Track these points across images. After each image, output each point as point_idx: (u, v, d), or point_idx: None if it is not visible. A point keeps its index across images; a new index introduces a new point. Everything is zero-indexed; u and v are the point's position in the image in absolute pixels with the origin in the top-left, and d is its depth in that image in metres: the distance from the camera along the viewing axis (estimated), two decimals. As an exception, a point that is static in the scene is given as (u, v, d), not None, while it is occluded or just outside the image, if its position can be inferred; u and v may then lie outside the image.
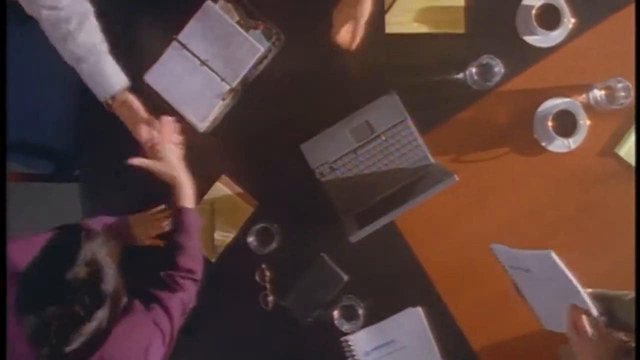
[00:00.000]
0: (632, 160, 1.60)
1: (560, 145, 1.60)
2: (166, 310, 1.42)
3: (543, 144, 1.62)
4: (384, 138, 1.63)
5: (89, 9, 1.50)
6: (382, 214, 1.47)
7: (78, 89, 1.56)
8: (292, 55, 1.65)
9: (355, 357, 1.61)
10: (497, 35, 1.63)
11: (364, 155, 1.63)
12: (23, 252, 1.31)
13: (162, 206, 1.61)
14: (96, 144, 1.71)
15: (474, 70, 1.61)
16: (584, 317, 1.18)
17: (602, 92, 1.59)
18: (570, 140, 1.58)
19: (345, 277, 1.63)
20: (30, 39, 1.43)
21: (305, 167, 1.63)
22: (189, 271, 1.49)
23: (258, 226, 1.64)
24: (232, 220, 1.66)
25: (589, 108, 1.61)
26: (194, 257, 1.50)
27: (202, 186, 1.65)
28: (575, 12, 1.59)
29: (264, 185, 1.66)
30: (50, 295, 1.14)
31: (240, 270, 1.65)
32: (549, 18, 1.58)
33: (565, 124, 1.58)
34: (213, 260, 1.66)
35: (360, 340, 1.62)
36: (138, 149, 1.54)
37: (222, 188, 1.66)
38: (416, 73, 1.65)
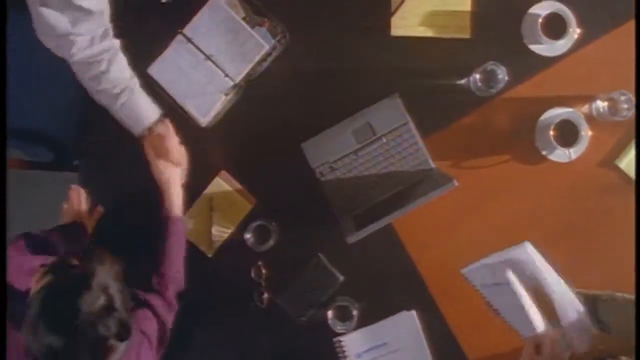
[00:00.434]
0: (632, 172, 1.60)
1: (561, 154, 1.60)
2: (158, 318, 1.43)
3: (544, 152, 1.62)
4: (385, 140, 1.63)
5: (117, 45, 1.48)
6: (380, 216, 1.47)
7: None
8: (297, 54, 1.65)
9: (348, 358, 1.61)
10: (502, 42, 1.63)
11: (364, 157, 1.63)
12: (19, 270, 1.30)
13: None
14: (96, 134, 1.70)
15: (477, 76, 1.61)
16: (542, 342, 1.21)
17: (605, 104, 1.59)
18: (571, 150, 1.58)
19: (341, 278, 1.63)
20: (32, 27, 1.41)
21: (305, 166, 1.63)
22: (173, 276, 1.50)
23: (256, 223, 1.63)
24: (230, 216, 1.66)
25: (591, 119, 1.61)
26: (176, 263, 1.52)
27: (202, 181, 1.65)
28: (581, 23, 1.59)
29: (264, 182, 1.66)
30: (74, 323, 1.11)
31: (236, 266, 1.65)
32: (555, 27, 1.58)
33: (567, 134, 1.58)
34: (210, 255, 1.66)
35: (353, 342, 1.62)
36: (138, 149, 1.54)
37: (222, 184, 1.66)
38: (420, 76, 1.65)
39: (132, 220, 1.63)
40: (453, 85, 1.65)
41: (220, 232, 1.66)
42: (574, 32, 1.59)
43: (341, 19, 1.66)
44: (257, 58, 1.62)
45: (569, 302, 1.25)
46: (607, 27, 1.62)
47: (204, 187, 1.66)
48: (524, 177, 1.63)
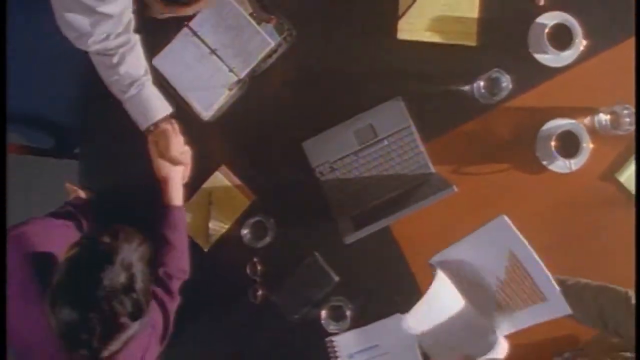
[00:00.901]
0: (631, 187, 1.61)
1: (561, 165, 1.60)
2: (163, 309, 1.44)
3: (544, 163, 1.62)
4: (386, 142, 1.63)
5: (136, 40, 1.51)
6: (378, 218, 1.47)
7: (83, 67, 1.56)
8: (302, 52, 1.65)
9: (339, 359, 1.61)
10: (508, 50, 1.63)
11: (365, 158, 1.63)
12: (43, 234, 1.32)
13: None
14: (98, 124, 1.70)
15: (481, 83, 1.61)
16: None
17: (608, 117, 1.59)
18: (572, 161, 1.59)
19: (336, 278, 1.63)
20: (37, 13, 1.42)
21: (305, 164, 1.63)
22: (178, 269, 1.51)
23: (253, 219, 1.63)
24: (228, 211, 1.66)
25: (593, 131, 1.61)
26: (181, 254, 1.53)
27: (201, 175, 1.65)
28: (588, 35, 1.59)
29: (263, 179, 1.66)
30: (92, 296, 1.13)
31: (232, 261, 1.65)
32: (561, 38, 1.58)
33: (568, 145, 1.58)
34: (206, 249, 1.66)
35: (345, 342, 1.62)
36: (140, 134, 1.54)
37: (221, 178, 1.66)
38: (424, 81, 1.65)
39: (133, 210, 1.62)
40: (457, 91, 1.65)
41: (218, 227, 1.66)
42: (580, 43, 1.59)
43: (348, 19, 1.66)
44: (263, 54, 1.62)
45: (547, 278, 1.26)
46: (613, 40, 1.62)
47: (204, 181, 1.66)
48: (523, 186, 1.63)
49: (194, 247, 1.64)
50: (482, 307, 1.39)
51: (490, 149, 1.64)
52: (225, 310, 1.66)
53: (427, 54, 1.65)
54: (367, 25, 1.66)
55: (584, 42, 1.60)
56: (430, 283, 1.37)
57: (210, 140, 1.66)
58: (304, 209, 1.65)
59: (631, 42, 1.60)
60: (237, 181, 1.66)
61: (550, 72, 1.63)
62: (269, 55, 1.63)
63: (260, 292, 1.64)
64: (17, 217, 1.41)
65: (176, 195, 1.56)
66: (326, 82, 1.66)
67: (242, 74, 1.62)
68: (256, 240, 1.63)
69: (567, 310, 1.24)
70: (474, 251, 1.33)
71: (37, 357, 1.28)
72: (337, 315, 1.63)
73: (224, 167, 1.66)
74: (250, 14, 1.62)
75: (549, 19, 1.59)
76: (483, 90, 1.61)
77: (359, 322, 1.63)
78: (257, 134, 1.67)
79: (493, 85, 1.60)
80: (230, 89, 1.63)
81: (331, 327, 1.62)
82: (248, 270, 1.65)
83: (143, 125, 1.53)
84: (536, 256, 1.25)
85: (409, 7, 1.64)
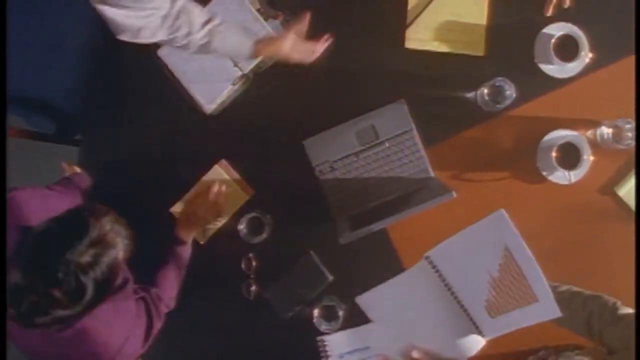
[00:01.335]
0: (630, 201, 1.61)
1: (561, 176, 1.60)
2: (156, 308, 1.46)
3: (544, 173, 1.62)
4: (387, 145, 1.63)
5: (183, 3, 1.36)
6: (375, 219, 1.47)
7: (88, 52, 1.56)
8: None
9: (330, 358, 1.61)
10: (514, 59, 1.63)
11: (365, 159, 1.63)
12: (32, 202, 1.31)
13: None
14: (99, 112, 1.70)
15: (485, 90, 1.61)
16: None
17: (610, 131, 1.59)
18: (572, 173, 1.59)
19: (330, 278, 1.63)
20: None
21: (305, 163, 1.63)
22: (168, 296, 1.54)
23: (250, 215, 1.63)
24: (226, 206, 1.65)
25: (594, 144, 1.61)
26: (176, 284, 1.56)
27: (201, 168, 1.64)
28: (594, 47, 1.60)
29: (262, 175, 1.66)
30: (47, 267, 1.12)
31: (227, 256, 1.65)
32: (567, 49, 1.58)
33: (569, 156, 1.58)
34: (202, 242, 1.66)
35: (336, 342, 1.61)
36: (141, 123, 1.54)
37: (220, 172, 1.66)
38: (428, 86, 1.65)
39: (132, 204, 1.62)
40: (460, 97, 1.65)
41: (215, 220, 1.66)
42: (586, 55, 1.60)
43: (356, 22, 1.67)
44: (268, 51, 1.61)
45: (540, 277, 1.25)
46: (619, 54, 1.62)
47: (203, 174, 1.65)
48: (522, 195, 1.63)
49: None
50: (469, 306, 1.38)
51: (491, 157, 1.64)
52: (218, 304, 1.66)
53: (432, 60, 1.65)
54: (375, 32, 1.66)
55: (590, 55, 1.60)
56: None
57: (212, 133, 1.66)
58: (302, 207, 1.65)
59: (637, 57, 1.60)
60: (237, 176, 1.66)
61: (554, 83, 1.63)
62: (274, 52, 1.63)
63: (254, 288, 1.64)
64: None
65: (190, 235, 1.60)
66: (330, 81, 1.66)
67: (247, 69, 1.62)
68: (252, 235, 1.63)
69: (557, 312, 1.23)
70: (470, 244, 1.32)
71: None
72: (329, 314, 1.62)
73: (223, 161, 1.66)
74: (258, 10, 1.62)
75: (556, 30, 1.60)
76: (487, 98, 1.61)
77: (351, 322, 1.62)
78: (258, 130, 1.67)
79: (497, 93, 1.60)
80: (234, 84, 1.63)
81: (323, 327, 1.62)
82: (243, 266, 1.64)
83: (246, 53, 1.44)
84: (530, 254, 1.24)
85: (417, 16, 1.64)
